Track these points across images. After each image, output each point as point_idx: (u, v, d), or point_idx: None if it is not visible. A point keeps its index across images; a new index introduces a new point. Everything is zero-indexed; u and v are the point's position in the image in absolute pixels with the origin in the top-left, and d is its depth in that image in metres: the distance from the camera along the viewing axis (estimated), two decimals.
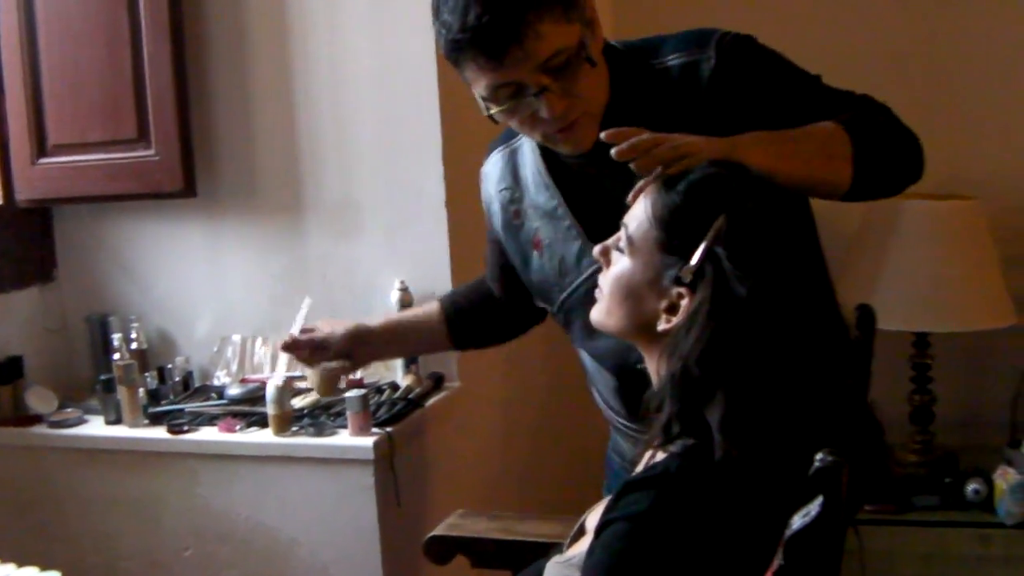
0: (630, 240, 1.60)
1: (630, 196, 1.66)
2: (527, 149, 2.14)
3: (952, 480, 3.59)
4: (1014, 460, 3.56)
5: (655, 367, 1.59)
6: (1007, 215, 3.85)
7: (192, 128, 3.29)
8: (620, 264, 1.62)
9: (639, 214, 1.60)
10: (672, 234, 1.54)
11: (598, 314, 1.68)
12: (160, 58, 3.23)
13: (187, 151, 3.28)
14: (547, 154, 2.08)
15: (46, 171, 3.39)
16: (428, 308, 2.56)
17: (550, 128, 1.93)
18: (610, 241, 1.67)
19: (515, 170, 2.17)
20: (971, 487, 3.54)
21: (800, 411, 1.47)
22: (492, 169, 2.23)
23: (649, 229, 1.57)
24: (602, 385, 2.25)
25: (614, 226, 1.86)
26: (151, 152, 3.28)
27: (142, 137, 3.29)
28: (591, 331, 2.03)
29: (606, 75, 1.95)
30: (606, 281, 1.66)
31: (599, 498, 1.86)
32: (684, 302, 1.50)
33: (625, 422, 2.25)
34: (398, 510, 2.89)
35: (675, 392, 1.48)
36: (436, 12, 1.88)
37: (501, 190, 2.19)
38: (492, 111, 1.92)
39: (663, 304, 1.54)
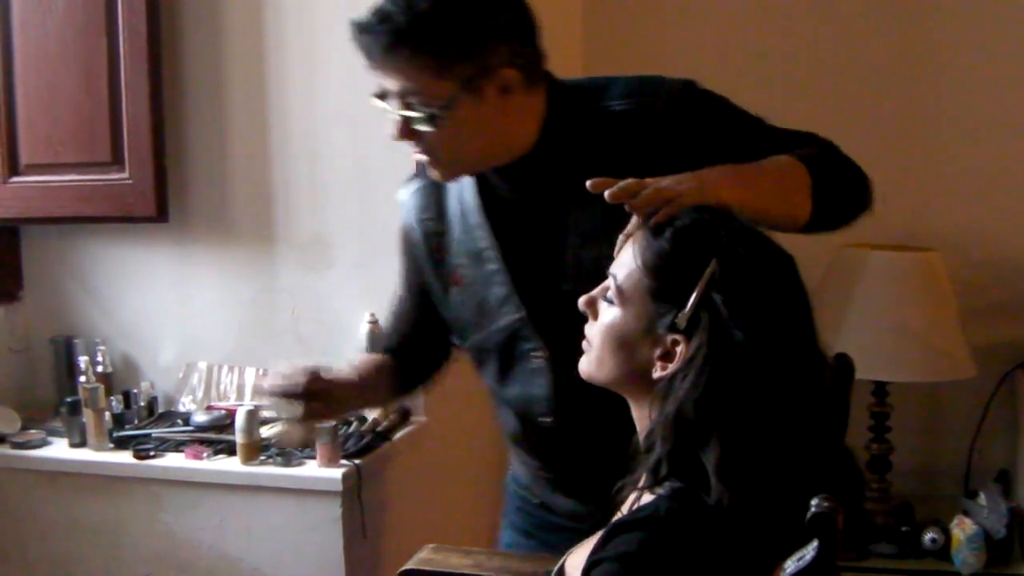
0: (619, 290, 1.59)
1: (617, 245, 1.66)
2: (458, 184, 2.11)
3: (909, 529, 3.63)
4: (971, 510, 3.60)
5: (643, 413, 1.58)
6: (967, 268, 3.91)
7: (166, 153, 3.28)
8: (610, 314, 1.60)
9: (627, 262, 1.59)
10: (664, 281, 1.54)
11: (588, 365, 1.66)
12: (137, 82, 3.23)
13: (160, 176, 3.27)
14: (482, 190, 2.07)
15: (17, 190, 3.37)
16: (369, 358, 2.38)
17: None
18: (596, 292, 1.65)
19: (440, 202, 2.15)
20: (928, 536, 3.58)
21: (793, 454, 1.48)
22: (412, 198, 2.19)
23: (640, 278, 1.56)
24: (507, 423, 2.25)
25: (540, 269, 1.99)
26: (124, 175, 3.27)
27: (116, 160, 3.28)
28: (503, 376, 2.10)
29: (481, 137, 1.95)
30: (595, 332, 1.63)
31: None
32: (680, 349, 1.50)
33: (525, 457, 2.27)
34: (364, 542, 2.89)
35: (668, 434, 1.49)
36: None
37: (423, 219, 2.17)
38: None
39: (657, 352, 1.54)
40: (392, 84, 1.89)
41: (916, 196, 4.01)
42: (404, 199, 2.22)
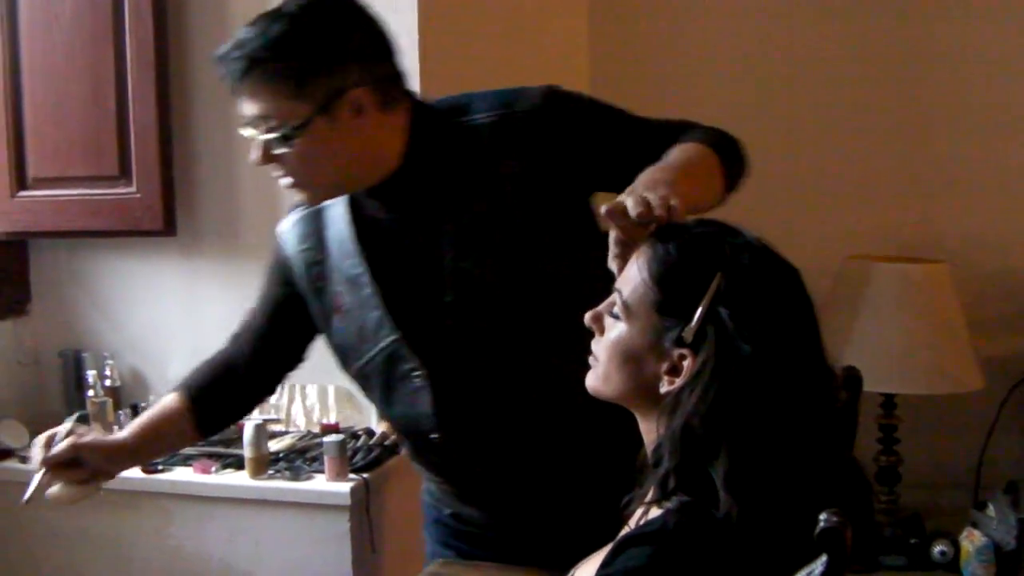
0: (625, 305, 1.58)
1: (615, 267, 1.67)
2: (334, 212, 2.15)
3: (918, 541, 3.61)
4: (980, 522, 3.58)
5: (651, 427, 1.58)
6: (974, 279, 3.90)
7: (174, 167, 3.29)
8: (616, 329, 1.60)
9: (633, 277, 1.59)
10: (669, 295, 1.53)
11: (595, 381, 1.65)
12: (144, 96, 3.25)
13: (168, 189, 3.29)
14: (356, 217, 2.11)
15: (26, 204, 3.39)
16: (169, 402, 2.32)
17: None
18: (602, 307, 1.64)
19: (319, 231, 2.18)
20: (937, 548, 3.56)
21: (802, 467, 1.48)
22: (291, 230, 2.23)
23: (646, 292, 1.55)
24: (401, 443, 2.34)
25: (420, 286, 2.03)
26: (132, 189, 3.29)
27: (124, 174, 3.30)
28: (388, 398, 2.15)
29: (340, 158, 1.98)
30: (602, 347, 1.62)
31: (577, 546, 1.86)
32: (687, 363, 1.50)
33: (427, 473, 2.33)
34: (373, 557, 2.89)
35: (675, 448, 1.49)
36: None
37: (303, 250, 2.20)
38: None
39: (664, 366, 1.53)
40: (251, 108, 1.93)
41: (922, 208, 4.01)
42: (284, 231, 2.26)
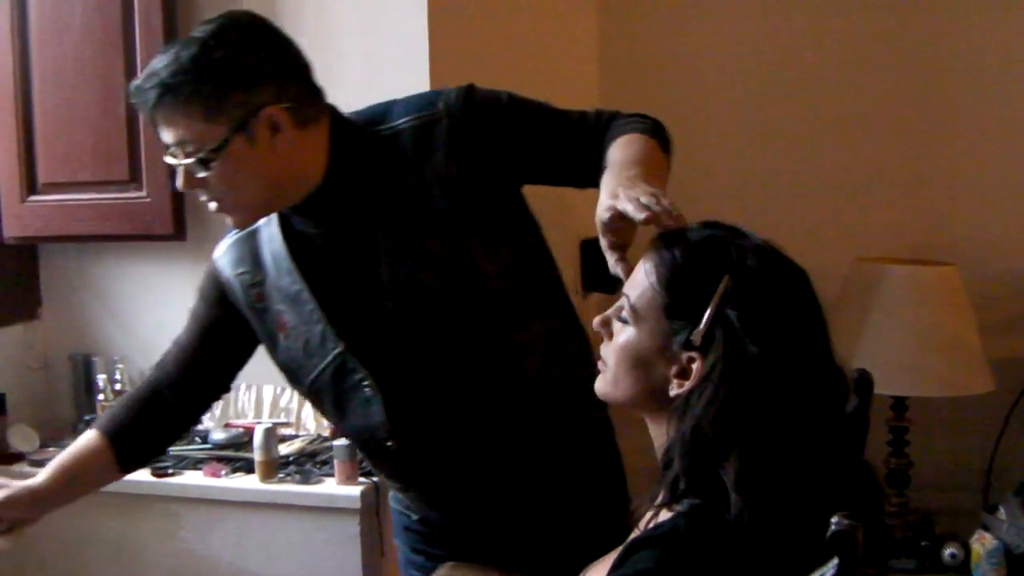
0: (633, 309, 1.58)
1: (620, 272, 1.67)
2: (268, 232, 2.16)
3: (929, 544, 3.61)
4: (991, 525, 3.57)
5: (661, 430, 1.58)
6: (985, 282, 3.88)
7: None
8: (625, 333, 1.60)
9: (640, 281, 1.59)
10: (677, 299, 1.53)
11: (604, 385, 1.65)
12: None
13: (178, 194, 3.28)
14: (289, 235, 2.12)
15: (36, 209, 3.39)
16: (87, 441, 2.27)
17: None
18: (611, 311, 1.64)
19: (254, 252, 2.18)
20: (948, 551, 3.55)
21: (813, 469, 1.48)
22: (226, 255, 2.23)
23: (653, 295, 1.56)
24: (361, 454, 2.36)
25: (360, 296, 2.04)
26: (142, 194, 3.30)
27: (134, 179, 3.31)
28: (341, 410, 2.16)
29: (261, 178, 1.98)
30: (610, 352, 1.63)
31: (588, 548, 1.86)
32: (695, 366, 1.50)
33: (388, 481, 2.37)
34: (382, 560, 2.89)
35: (685, 451, 1.49)
36: None
37: (239, 273, 2.20)
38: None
39: (673, 369, 1.53)
40: (169, 135, 1.94)
41: (932, 210, 3.99)
42: (219, 256, 2.26)
